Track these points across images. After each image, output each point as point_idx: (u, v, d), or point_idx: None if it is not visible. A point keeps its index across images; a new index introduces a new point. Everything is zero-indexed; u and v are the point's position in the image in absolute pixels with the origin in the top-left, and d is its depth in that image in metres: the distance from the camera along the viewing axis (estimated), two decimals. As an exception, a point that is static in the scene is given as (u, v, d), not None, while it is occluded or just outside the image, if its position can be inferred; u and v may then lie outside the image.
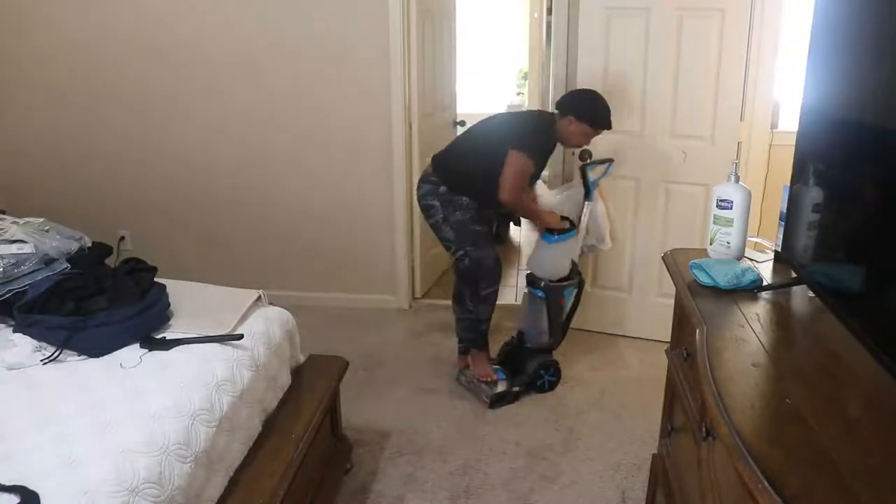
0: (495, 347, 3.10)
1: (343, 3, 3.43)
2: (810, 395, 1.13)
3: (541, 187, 3.05)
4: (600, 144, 3.23)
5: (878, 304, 1.19)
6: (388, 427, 2.68)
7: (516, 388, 2.87)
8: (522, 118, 2.88)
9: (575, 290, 2.96)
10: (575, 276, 2.93)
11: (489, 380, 2.88)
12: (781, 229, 1.64)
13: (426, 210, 2.84)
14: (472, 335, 2.93)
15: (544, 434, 2.65)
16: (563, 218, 2.88)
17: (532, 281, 2.91)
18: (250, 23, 3.51)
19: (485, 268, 2.77)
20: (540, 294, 2.87)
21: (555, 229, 2.81)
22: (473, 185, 2.74)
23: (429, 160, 2.92)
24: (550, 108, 3.29)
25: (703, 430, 1.31)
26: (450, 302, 3.01)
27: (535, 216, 2.86)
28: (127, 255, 2.48)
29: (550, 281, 2.85)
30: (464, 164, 2.77)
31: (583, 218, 2.98)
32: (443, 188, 2.77)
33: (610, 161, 3.01)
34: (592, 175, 2.94)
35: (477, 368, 2.93)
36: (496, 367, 2.94)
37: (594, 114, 2.71)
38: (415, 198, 2.92)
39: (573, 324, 3.51)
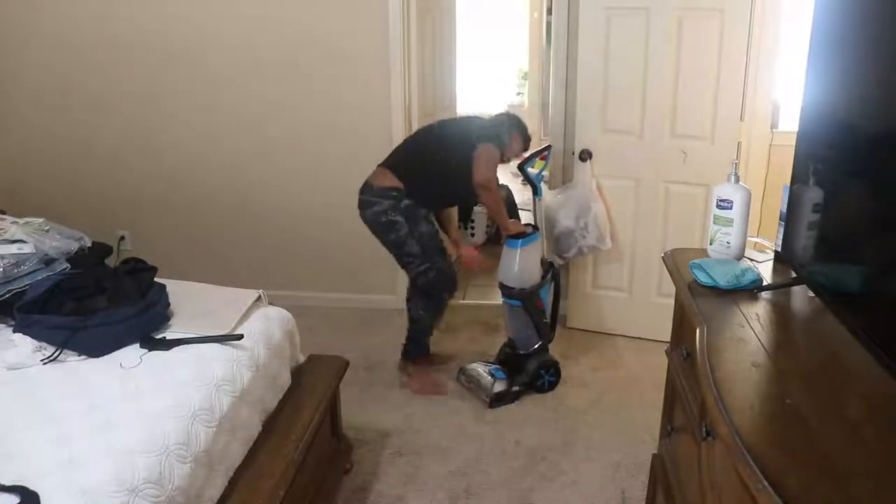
0: (494, 347, 3.11)
1: (343, 4, 3.43)
2: (810, 395, 1.13)
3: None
4: (603, 145, 3.24)
5: (879, 303, 1.19)
6: (388, 427, 2.68)
7: (516, 388, 2.87)
8: (492, 119, 2.85)
9: (551, 286, 2.94)
10: (547, 272, 2.90)
11: (439, 392, 2.91)
12: (781, 229, 1.64)
13: (387, 227, 2.71)
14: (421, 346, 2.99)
15: (544, 434, 2.65)
16: (525, 224, 2.91)
17: (506, 291, 2.85)
18: (249, 23, 3.50)
19: (448, 277, 2.79)
20: (516, 303, 2.84)
21: (518, 233, 2.81)
22: (444, 190, 2.74)
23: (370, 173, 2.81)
24: (549, 110, 3.30)
25: (703, 430, 1.31)
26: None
27: (501, 213, 2.79)
28: (127, 255, 2.48)
29: (523, 288, 2.82)
30: (434, 169, 2.70)
31: (538, 215, 2.97)
32: (406, 201, 2.70)
33: (546, 148, 3.02)
34: (533, 170, 2.92)
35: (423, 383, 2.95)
36: (495, 366, 2.94)
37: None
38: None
39: (573, 324, 3.53)
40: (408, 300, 2.99)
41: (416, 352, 3.00)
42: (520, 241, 2.79)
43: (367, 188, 2.74)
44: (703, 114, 3.05)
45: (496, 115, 2.91)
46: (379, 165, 2.80)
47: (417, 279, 2.81)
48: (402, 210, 2.69)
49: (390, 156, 2.84)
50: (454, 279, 2.83)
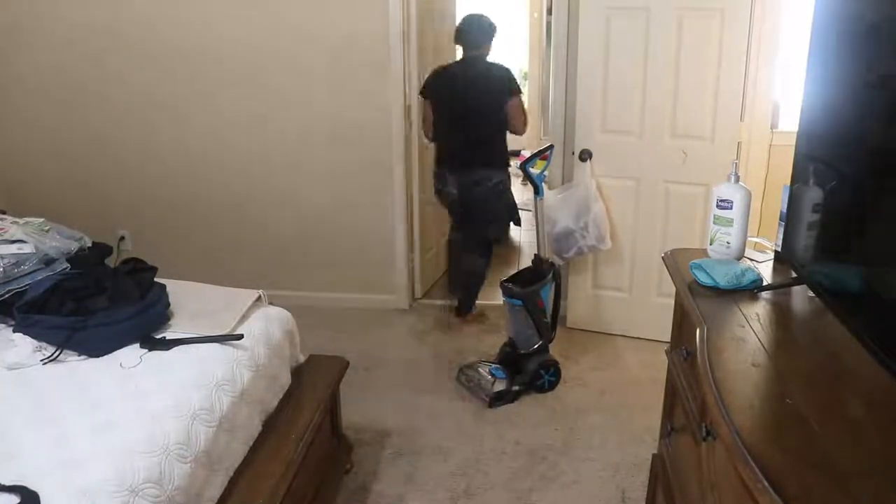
0: (494, 347, 3.11)
1: (343, 4, 3.43)
2: (810, 395, 1.13)
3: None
4: (603, 145, 3.24)
5: (879, 303, 1.19)
6: (388, 427, 2.68)
7: (516, 388, 2.87)
8: (491, 71, 3.30)
9: (553, 286, 2.95)
10: (548, 272, 2.90)
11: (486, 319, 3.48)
12: (781, 229, 1.64)
13: (499, 194, 3.28)
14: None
15: (544, 434, 2.65)
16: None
17: (507, 290, 2.87)
18: (250, 23, 3.50)
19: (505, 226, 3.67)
20: (517, 302, 2.84)
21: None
22: (503, 136, 3.28)
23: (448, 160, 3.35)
24: (549, 110, 3.30)
25: (703, 430, 1.31)
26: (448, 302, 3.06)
27: (524, 120, 3.34)
28: (127, 255, 2.48)
29: (524, 288, 2.82)
30: (498, 139, 3.24)
31: (537, 215, 2.97)
32: (506, 169, 3.32)
33: (549, 148, 3.03)
34: (535, 170, 2.94)
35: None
36: (495, 366, 2.94)
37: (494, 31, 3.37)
38: (415, 197, 3.06)
39: (573, 324, 3.53)
40: (455, 260, 3.56)
41: (470, 306, 3.50)
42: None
43: (475, 171, 3.23)
44: (703, 114, 3.05)
45: (485, 60, 3.34)
46: (458, 163, 3.28)
47: (490, 231, 3.40)
48: (509, 177, 3.34)
49: (456, 150, 3.31)
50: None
